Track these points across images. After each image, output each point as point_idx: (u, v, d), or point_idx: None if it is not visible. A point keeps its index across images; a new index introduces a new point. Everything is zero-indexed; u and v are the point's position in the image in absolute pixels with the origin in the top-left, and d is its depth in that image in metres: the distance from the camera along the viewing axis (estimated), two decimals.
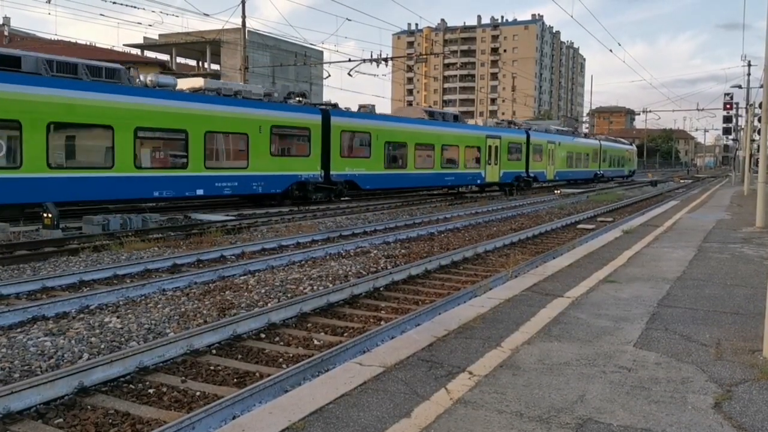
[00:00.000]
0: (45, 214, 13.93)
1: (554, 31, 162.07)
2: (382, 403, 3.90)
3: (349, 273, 10.46)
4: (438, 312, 7.33)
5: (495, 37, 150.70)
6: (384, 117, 28.07)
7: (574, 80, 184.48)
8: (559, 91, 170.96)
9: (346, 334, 7.10)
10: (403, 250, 13.09)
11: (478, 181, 32.99)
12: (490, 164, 33.45)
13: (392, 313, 8.11)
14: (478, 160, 32.57)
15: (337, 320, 7.74)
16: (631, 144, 66.16)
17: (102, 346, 6.40)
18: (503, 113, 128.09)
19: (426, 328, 5.74)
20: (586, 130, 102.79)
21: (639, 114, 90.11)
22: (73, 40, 48.66)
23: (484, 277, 10.22)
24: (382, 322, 7.45)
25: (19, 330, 6.89)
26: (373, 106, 27.93)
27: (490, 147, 33.37)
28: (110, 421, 4.79)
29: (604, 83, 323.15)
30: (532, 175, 37.55)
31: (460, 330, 5.59)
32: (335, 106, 25.16)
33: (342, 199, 25.26)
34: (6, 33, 52.73)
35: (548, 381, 4.35)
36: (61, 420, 4.77)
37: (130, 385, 5.47)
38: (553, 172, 41.00)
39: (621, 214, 22.73)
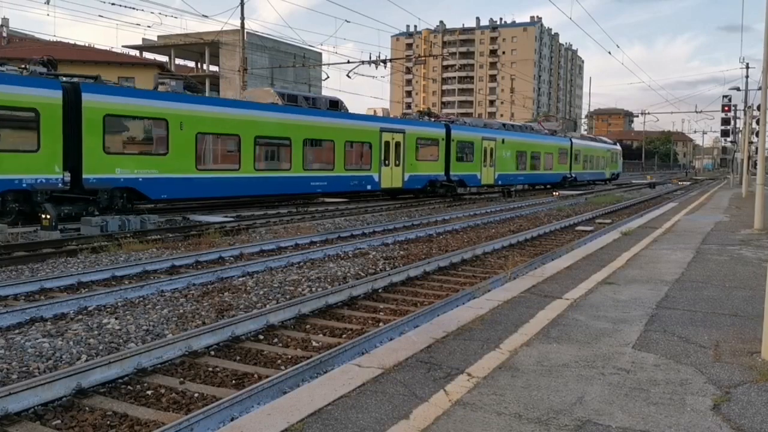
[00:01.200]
0: (43, 215, 13.92)
1: (553, 33, 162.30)
2: (381, 405, 3.90)
3: (348, 274, 10.46)
4: (437, 314, 7.32)
5: (494, 39, 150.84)
6: (194, 99, 20.14)
7: (572, 82, 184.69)
8: (558, 93, 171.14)
9: (344, 336, 7.10)
10: (401, 252, 13.09)
11: (369, 187, 26.26)
12: (387, 165, 26.71)
13: (391, 314, 8.11)
14: (368, 160, 26.03)
15: (336, 322, 7.74)
16: (614, 143, 59.10)
17: (100, 348, 6.38)
18: (501, 115, 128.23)
19: (425, 330, 5.73)
20: (585, 132, 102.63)
21: (637, 116, 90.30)
22: (72, 42, 48.63)
23: (482, 279, 10.21)
24: (381, 324, 7.44)
25: (17, 331, 6.88)
26: (184, 81, 21.01)
27: (387, 143, 26.67)
28: (108, 422, 4.78)
29: (603, 85, 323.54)
30: (455, 178, 30.81)
31: (458, 332, 5.59)
32: (96, 78, 17.74)
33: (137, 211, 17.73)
34: (5, 34, 52.69)
35: (547, 383, 4.35)
36: (59, 421, 4.76)
37: (129, 387, 5.46)
38: (492, 175, 33.55)
39: (620, 216, 22.74)
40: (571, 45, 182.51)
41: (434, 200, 28.91)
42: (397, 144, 27.29)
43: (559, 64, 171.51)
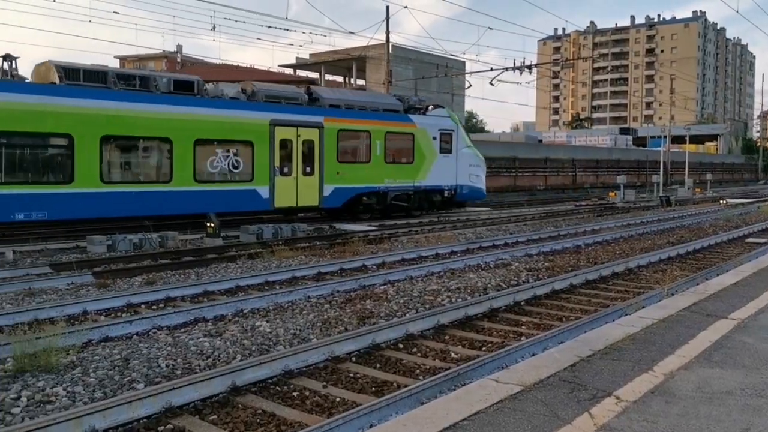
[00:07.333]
0: (208, 224, 15.22)
1: (718, 27, 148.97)
2: (519, 424, 3.75)
3: (488, 285, 10.27)
4: (583, 330, 6.97)
5: (650, 38, 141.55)
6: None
7: (742, 80, 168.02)
8: (725, 92, 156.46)
9: (483, 349, 6.96)
10: (546, 263, 12.62)
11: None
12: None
13: (533, 329, 7.83)
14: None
15: (475, 333, 7.62)
16: (426, 108, 23.45)
17: (253, 349, 6.79)
18: (660, 118, 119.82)
19: (569, 347, 5.46)
20: (757, 134, 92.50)
21: None
22: (235, 64, 52.88)
23: (635, 295, 9.56)
24: (523, 338, 7.21)
25: (182, 330, 7.53)
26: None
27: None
28: (258, 420, 5.06)
29: None
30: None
31: (606, 351, 5.25)
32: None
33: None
34: (179, 59, 58.67)
35: (707, 411, 3.94)
36: (215, 417, 5.12)
37: (277, 387, 5.74)
38: None
39: None
40: (740, 40, 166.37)
41: (582, 209, 27.72)
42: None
43: (726, 61, 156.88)
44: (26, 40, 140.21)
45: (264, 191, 18.21)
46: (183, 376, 5.83)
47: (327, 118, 19.63)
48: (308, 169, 19.17)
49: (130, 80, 16.30)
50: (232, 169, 17.68)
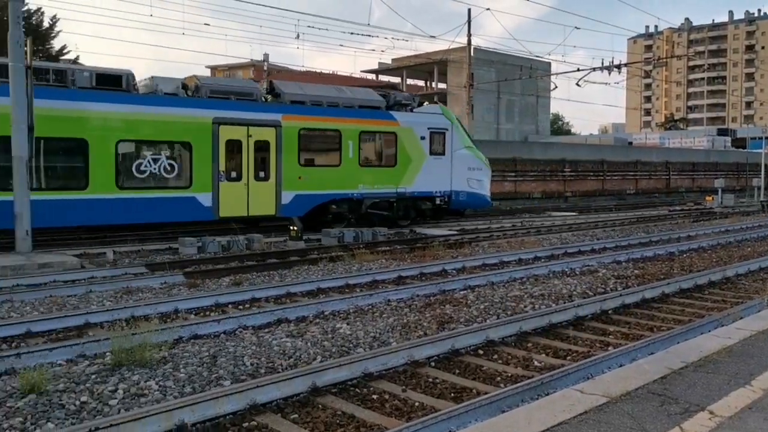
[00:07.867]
0: (292, 227, 15.61)
1: None
2: None
3: (574, 293, 9.95)
4: (675, 341, 6.63)
5: (750, 34, 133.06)
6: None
7: None
8: None
9: (568, 358, 6.75)
10: (636, 271, 12.09)
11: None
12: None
13: (621, 338, 7.52)
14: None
15: (560, 342, 7.40)
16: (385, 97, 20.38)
17: (333, 350, 6.89)
18: (761, 118, 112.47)
19: (659, 358, 5.21)
20: None
21: None
22: (319, 70, 54.12)
23: (733, 305, 9.00)
24: (610, 348, 6.93)
25: (266, 330, 7.75)
26: None
27: None
28: (338, 421, 5.12)
29: None
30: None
31: (700, 363, 4.97)
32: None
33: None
34: (265, 68, 60.66)
35: None
36: (296, 416, 5.22)
37: (356, 389, 5.79)
38: None
39: None
40: None
41: (676, 215, 26.41)
42: None
43: None
44: (128, 53, 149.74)
45: (205, 199, 16.01)
46: (266, 374, 5.99)
47: (286, 116, 17.22)
48: (262, 174, 16.85)
49: (41, 75, 14.29)
50: (164, 174, 15.63)
